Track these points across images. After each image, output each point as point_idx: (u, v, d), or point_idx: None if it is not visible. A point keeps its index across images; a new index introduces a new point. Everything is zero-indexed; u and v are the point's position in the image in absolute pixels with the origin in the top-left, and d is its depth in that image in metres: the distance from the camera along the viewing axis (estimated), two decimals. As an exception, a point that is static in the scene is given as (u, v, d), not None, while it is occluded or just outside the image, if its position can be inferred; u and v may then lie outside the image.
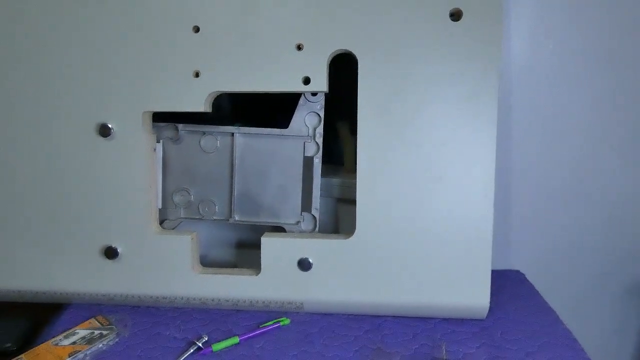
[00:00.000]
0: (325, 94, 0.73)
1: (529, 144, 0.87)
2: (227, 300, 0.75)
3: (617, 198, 0.90)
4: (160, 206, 0.78)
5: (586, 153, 0.88)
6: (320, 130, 0.75)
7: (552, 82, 0.84)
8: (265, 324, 0.72)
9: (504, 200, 0.88)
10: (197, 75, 0.70)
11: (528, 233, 0.92)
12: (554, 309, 0.77)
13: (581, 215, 0.91)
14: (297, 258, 0.73)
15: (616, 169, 0.89)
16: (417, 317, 0.74)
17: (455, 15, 0.67)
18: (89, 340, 0.69)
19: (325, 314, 0.75)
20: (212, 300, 0.76)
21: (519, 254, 0.93)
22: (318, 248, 0.73)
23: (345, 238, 0.72)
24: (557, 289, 0.87)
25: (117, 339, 0.70)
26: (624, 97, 0.85)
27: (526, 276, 0.90)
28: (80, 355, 0.66)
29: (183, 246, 0.74)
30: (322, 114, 0.74)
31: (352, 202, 0.72)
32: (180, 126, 0.77)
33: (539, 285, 0.85)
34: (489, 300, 0.71)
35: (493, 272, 0.71)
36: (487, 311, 0.72)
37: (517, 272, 0.91)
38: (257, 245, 0.74)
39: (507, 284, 0.86)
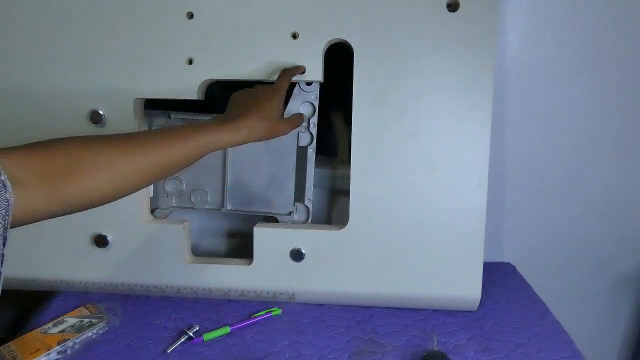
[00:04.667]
0: (320, 84, 0.73)
1: (522, 137, 0.87)
2: (219, 290, 0.75)
3: (609, 193, 0.91)
4: (151, 195, 0.77)
5: (579, 148, 0.88)
6: (314, 120, 0.74)
7: (548, 74, 0.84)
8: (257, 314, 0.72)
9: (496, 193, 0.88)
10: (190, 62, 0.70)
11: (520, 226, 0.93)
12: (544, 301, 0.78)
13: (573, 209, 0.92)
14: (290, 248, 0.73)
15: (608, 165, 0.89)
16: (408, 309, 0.74)
17: (452, 6, 0.67)
18: (79, 329, 0.68)
19: (317, 305, 0.75)
20: (204, 289, 0.75)
21: (511, 246, 0.94)
22: (311, 239, 0.73)
23: (338, 229, 0.72)
24: (547, 281, 0.87)
25: (107, 328, 0.69)
26: (619, 93, 0.85)
27: (517, 268, 0.90)
28: (70, 344, 0.65)
29: (174, 235, 0.74)
30: (316, 104, 0.74)
31: (346, 193, 0.72)
32: (172, 114, 0.76)
33: (529, 278, 0.86)
34: (480, 292, 0.71)
35: (484, 264, 0.71)
36: (478, 303, 0.72)
37: (509, 264, 0.92)
38: (249, 235, 0.74)
39: (498, 276, 0.86)
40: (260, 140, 0.61)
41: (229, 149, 0.76)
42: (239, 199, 0.78)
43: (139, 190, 0.52)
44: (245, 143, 0.59)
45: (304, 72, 0.69)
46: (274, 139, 0.71)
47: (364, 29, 0.68)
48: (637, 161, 0.89)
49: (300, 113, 0.70)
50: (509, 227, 0.93)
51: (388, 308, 0.75)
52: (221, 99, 0.83)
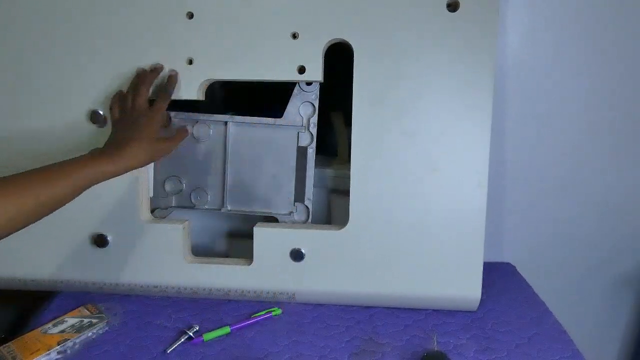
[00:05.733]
0: (320, 84, 0.73)
1: (522, 137, 0.87)
2: (219, 290, 0.75)
3: (609, 192, 0.91)
4: (151, 194, 0.77)
5: (579, 147, 0.88)
6: (314, 120, 0.74)
7: (548, 74, 0.84)
8: (257, 314, 0.72)
9: (496, 192, 0.88)
10: (190, 62, 0.70)
11: (520, 226, 0.93)
12: (544, 301, 0.78)
13: (572, 209, 0.92)
14: (290, 248, 0.73)
15: (608, 165, 0.89)
16: (408, 309, 0.74)
17: (452, 6, 0.66)
18: (79, 329, 0.68)
19: (317, 305, 0.75)
20: (204, 289, 0.75)
21: (511, 246, 0.94)
22: (311, 239, 0.73)
23: (338, 229, 0.72)
24: (547, 281, 0.88)
25: (107, 328, 0.69)
26: (619, 92, 0.85)
27: (517, 269, 0.90)
28: (70, 344, 0.65)
29: (174, 235, 0.74)
30: (316, 104, 0.74)
31: (346, 193, 0.72)
32: (172, 114, 0.76)
33: (529, 278, 0.86)
34: (480, 292, 0.71)
35: (485, 264, 0.71)
36: (478, 303, 0.72)
37: (509, 264, 0.92)
38: (249, 235, 0.74)
39: (498, 276, 0.86)
40: (144, 165, 0.62)
41: (229, 149, 0.76)
42: (239, 199, 0.78)
43: (13, 233, 0.50)
44: (129, 171, 0.60)
45: (175, 84, 0.69)
46: (273, 140, 0.72)
47: (364, 29, 0.68)
48: (637, 161, 0.89)
49: (184, 127, 0.70)
50: (509, 227, 0.93)
51: (388, 308, 0.75)
52: (221, 98, 0.83)
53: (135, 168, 0.61)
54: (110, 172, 0.58)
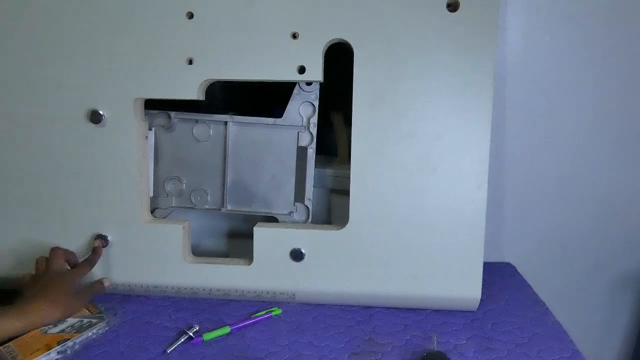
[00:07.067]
0: (320, 84, 0.73)
1: (522, 137, 0.87)
2: (219, 290, 0.75)
3: (608, 192, 0.91)
4: (151, 194, 0.77)
5: (579, 148, 0.88)
6: (314, 120, 0.74)
7: (547, 75, 0.84)
8: (257, 314, 0.72)
9: (496, 192, 0.88)
10: (190, 62, 0.70)
11: (520, 226, 0.93)
12: (544, 301, 0.78)
13: (572, 209, 0.92)
14: (290, 248, 0.73)
15: (608, 164, 0.89)
16: (408, 308, 0.74)
17: (452, 6, 0.66)
18: (79, 329, 0.68)
19: (317, 305, 0.75)
20: (204, 289, 0.75)
21: (511, 246, 0.94)
22: (311, 239, 0.73)
23: (338, 229, 0.72)
24: (547, 281, 0.88)
25: (107, 328, 0.69)
26: (618, 92, 0.85)
27: (517, 269, 0.90)
28: (70, 344, 0.65)
29: (174, 235, 0.74)
30: (316, 104, 0.74)
31: (345, 193, 0.72)
32: (172, 114, 0.76)
33: (529, 278, 0.86)
34: (480, 292, 0.71)
35: (484, 264, 0.71)
36: (478, 303, 0.72)
37: (508, 264, 0.92)
38: (249, 235, 0.74)
39: (498, 276, 0.86)
40: (56, 321, 0.63)
41: (229, 149, 0.76)
42: (239, 199, 0.78)
43: None
44: (37, 328, 0.60)
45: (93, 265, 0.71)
46: (273, 140, 0.72)
47: (364, 29, 0.68)
48: (637, 161, 0.89)
49: (100, 280, 0.72)
50: (509, 227, 0.93)
51: (388, 308, 0.75)
52: (221, 99, 0.83)
53: (46, 325, 0.62)
54: (16, 328, 0.58)
